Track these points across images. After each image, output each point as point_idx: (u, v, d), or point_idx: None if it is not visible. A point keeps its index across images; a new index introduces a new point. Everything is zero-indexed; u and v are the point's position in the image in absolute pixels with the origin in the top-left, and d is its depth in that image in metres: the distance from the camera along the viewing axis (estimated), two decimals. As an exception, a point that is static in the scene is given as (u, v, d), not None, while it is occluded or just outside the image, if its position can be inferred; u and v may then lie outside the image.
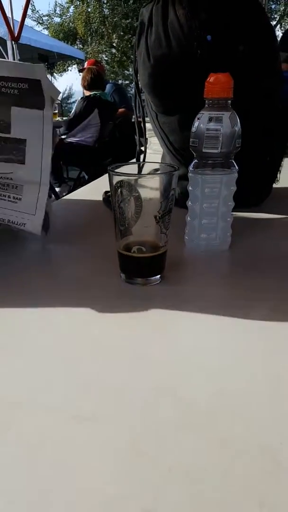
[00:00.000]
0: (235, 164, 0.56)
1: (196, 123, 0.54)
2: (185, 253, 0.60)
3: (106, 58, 14.76)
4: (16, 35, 5.54)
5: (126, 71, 13.58)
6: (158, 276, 0.51)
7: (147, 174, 0.48)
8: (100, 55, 14.67)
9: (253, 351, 0.37)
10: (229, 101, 0.53)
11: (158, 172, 0.48)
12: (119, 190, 0.46)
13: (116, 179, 0.46)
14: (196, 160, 0.56)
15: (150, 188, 0.47)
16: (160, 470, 0.25)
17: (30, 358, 0.36)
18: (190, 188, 0.57)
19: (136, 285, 0.50)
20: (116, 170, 0.47)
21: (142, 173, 0.56)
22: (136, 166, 0.54)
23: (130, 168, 0.51)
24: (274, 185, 0.82)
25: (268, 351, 0.37)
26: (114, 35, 14.77)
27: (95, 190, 1.00)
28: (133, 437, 0.28)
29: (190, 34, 0.65)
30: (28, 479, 0.25)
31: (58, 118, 4.17)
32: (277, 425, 0.29)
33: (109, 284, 0.50)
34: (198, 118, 0.54)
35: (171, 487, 0.24)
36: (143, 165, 0.58)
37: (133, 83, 0.73)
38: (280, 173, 0.81)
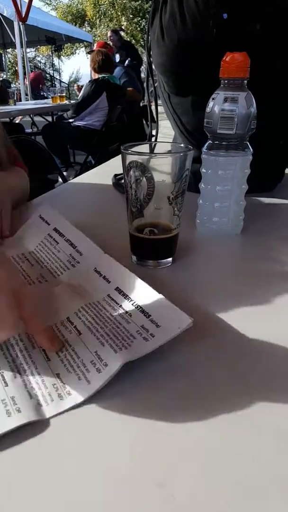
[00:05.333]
0: (249, 146, 0.55)
1: (211, 104, 0.53)
2: (197, 237, 0.60)
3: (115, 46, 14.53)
4: (23, 15, 5.46)
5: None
6: (170, 258, 0.50)
7: (161, 153, 0.47)
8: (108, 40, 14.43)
9: (263, 332, 0.37)
10: (245, 81, 0.52)
11: (172, 151, 0.47)
12: (131, 170, 0.46)
13: (129, 158, 0.45)
14: (210, 141, 0.55)
15: (164, 169, 0.46)
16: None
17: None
18: (203, 170, 0.56)
19: (147, 267, 0.49)
20: (130, 150, 0.46)
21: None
22: (148, 146, 0.53)
23: (143, 148, 0.50)
24: (287, 170, 0.81)
25: (283, 336, 0.37)
26: (123, 18, 14.50)
27: (103, 174, 0.99)
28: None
29: (206, 12, 0.63)
30: None
31: (66, 101, 4.13)
32: None
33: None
34: (213, 99, 0.53)
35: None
36: (155, 145, 0.57)
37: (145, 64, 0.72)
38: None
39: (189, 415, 0.28)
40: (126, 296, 0.40)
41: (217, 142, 0.54)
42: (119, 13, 14.59)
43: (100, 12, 15.16)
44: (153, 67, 0.72)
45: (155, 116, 0.74)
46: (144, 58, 0.77)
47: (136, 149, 0.48)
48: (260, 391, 0.30)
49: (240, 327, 0.38)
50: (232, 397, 0.30)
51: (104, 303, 0.40)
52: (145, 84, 0.73)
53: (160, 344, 0.33)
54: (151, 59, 0.70)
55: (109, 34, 4.70)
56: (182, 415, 0.28)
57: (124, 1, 14.13)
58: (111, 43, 4.49)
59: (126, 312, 0.38)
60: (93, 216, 0.69)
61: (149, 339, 0.34)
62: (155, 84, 0.74)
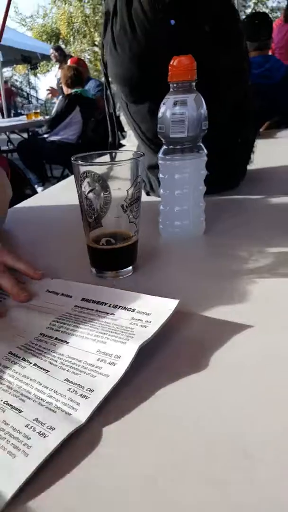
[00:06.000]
0: (203, 147, 0.55)
1: (162, 108, 0.53)
2: (160, 243, 0.59)
3: (88, 57, 14.70)
4: (-3, 36, 5.46)
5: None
6: (130, 267, 0.50)
7: (112, 162, 0.47)
8: (83, 54, 14.58)
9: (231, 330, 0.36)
10: (193, 84, 0.52)
11: (123, 159, 0.47)
12: (85, 180, 0.45)
13: (82, 169, 0.45)
14: (165, 147, 0.55)
15: (116, 177, 0.46)
16: None
17: None
18: (160, 175, 0.56)
19: (107, 279, 0.49)
20: (80, 161, 0.45)
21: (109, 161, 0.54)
22: (106, 156, 0.52)
23: (96, 158, 0.49)
24: (249, 167, 0.82)
25: (253, 343, 0.37)
26: (96, 34, 14.67)
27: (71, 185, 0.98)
28: None
29: (154, 20, 0.64)
30: None
31: (40, 117, 4.13)
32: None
33: (79, 280, 0.49)
34: (164, 103, 0.53)
35: None
36: (115, 154, 0.57)
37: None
38: (253, 154, 0.80)
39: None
40: (98, 302, 0.40)
41: (171, 146, 0.54)
42: (92, 30, 14.78)
43: (73, 29, 15.33)
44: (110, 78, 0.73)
45: (116, 125, 0.74)
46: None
47: (89, 158, 0.48)
48: (224, 385, 0.30)
49: (203, 327, 0.37)
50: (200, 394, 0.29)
51: (76, 313, 0.39)
52: (104, 96, 0.74)
53: (161, 325, 0.34)
54: (107, 70, 0.71)
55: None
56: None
57: (96, 18, 14.32)
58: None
59: (107, 313, 0.38)
60: (56, 229, 0.69)
61: (147, 325, 0.34)
62: (113, 95, 0.74)
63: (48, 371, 0.32)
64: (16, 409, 0.28)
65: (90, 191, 0.45)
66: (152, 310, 0.36)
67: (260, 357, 0.33)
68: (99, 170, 0.44)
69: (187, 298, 0.40)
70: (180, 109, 0.52)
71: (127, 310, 0.38)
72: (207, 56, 0.53)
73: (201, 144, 0.55)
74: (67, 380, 0.30)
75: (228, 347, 0.34)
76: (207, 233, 0.60)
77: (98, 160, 0.50)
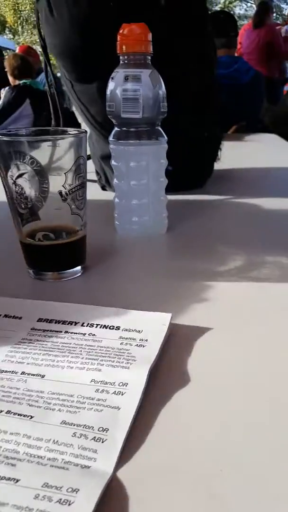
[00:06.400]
0: (163, 133, 0.48)
1: (110, 84, 0.46)
2: (116, 241, 0.52)
3: (40, 50, 14.37)
4: None
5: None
6: (78, 267, 0.42)
7: (48, 139, 0.39)
8: (34, 46, 14.18)
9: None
10: (148, 58, 0.45)
11: (61, 136, 0.39)
12: (13, 162, 0.37)
13: (7, 148, 0.37)
14: (116, 129, 0.48)
15: (53, 158, 0.38)
16: None
17: None
18: (113, 162, 0.49)
19: (48, 281, 0.41)
20: (7, 139, 0.37)
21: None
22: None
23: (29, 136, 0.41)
24: (216, 166, 0.76)
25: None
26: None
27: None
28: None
29: None
30: None
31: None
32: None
33: (13, 284, 0.40)
34: (112, 78, 0.46)
35: None
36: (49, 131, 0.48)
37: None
38: (221, 151, 0.74)
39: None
40: (64, 322, 0.31)
41: (124, 128, 0.47)
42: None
43: (21, 18, 14.67)
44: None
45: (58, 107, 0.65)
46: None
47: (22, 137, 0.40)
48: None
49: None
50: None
51: (37, 338, 0.30)
52: (43, 72, 0.65)
53: (162, 342, 0.28)
54: (44, 41, 0.62)
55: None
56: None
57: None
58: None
59: (83, 334, 0.30)
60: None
61: (145, 344, 0.28)
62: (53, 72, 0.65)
63: (31, 417, 0.23)
64: (9, 479, 0.19)
65: (20, 175, 0.37)
66: (143, 327, 0.30)
67: (220, 362, 0.27)
68: (27, 148, 0.36)
69: (144, 301, 0.34)
70: (132, 86, 0.45)
71: (110, 329, 0.30)
72: (163, 32, 0.46)
73: (160, 129, 0.48)
74: (64, 422, 0.22)
75: (188, 352, 0.29)
76: (169, 231, 0.53)
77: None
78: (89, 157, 0.73)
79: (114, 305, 0.34)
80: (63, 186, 0.37)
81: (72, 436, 0.21)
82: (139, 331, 0.30)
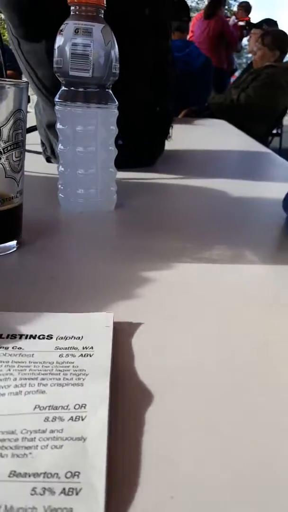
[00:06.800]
0: (113, 97, 0.44)
1: (59, 38, 0.41)
2: (59, 215, 0.47)
3: None
4: None
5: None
6: (13, 242, 0.37)
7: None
8: None
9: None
10: (101, 11, 0.41)
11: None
12: None
13: None
14: (64, 88, 0.43)
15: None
16: None
17: None
18: (59, 125, 0.44)
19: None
20: None
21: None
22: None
23: None
24: (167, 147, 0.73)
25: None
26: None
27: None
28: None
29: None
30: None
31: None
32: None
33: None
34: (61, 31, 0.41)
35: None
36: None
37: None
38: (172, 129, 0.72)
39: None
40: None
41: (72, 88, 0.42)
42: None
43: None
44: None
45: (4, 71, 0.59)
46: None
47: None
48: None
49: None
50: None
51: None
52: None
53: (111, 347, 0.23)
54: None
55: None
56: None
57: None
58: None
59: (6, 348, 0.23)
60: None
61: (91, 353, 0.23)
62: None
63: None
64: None
65: None
66: (82, 332, 0.25)
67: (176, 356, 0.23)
68: None
69: (86, 285, 0.30)
70: (83, 40, 0.40)
71: (40, 338, 0.24)
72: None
73: (111, 93, 0.44)
74: (14, 474, 0.15)
75: (140, 351, 0.25)
76: (117, 209, 0.49)
77: None
78: (34, 128, 0.67)
79: (52, 289, 0.30)
80: (-3, 142, 0.32)
81: (31, 495, 0.14)
82: (79, 337, 0.24)
